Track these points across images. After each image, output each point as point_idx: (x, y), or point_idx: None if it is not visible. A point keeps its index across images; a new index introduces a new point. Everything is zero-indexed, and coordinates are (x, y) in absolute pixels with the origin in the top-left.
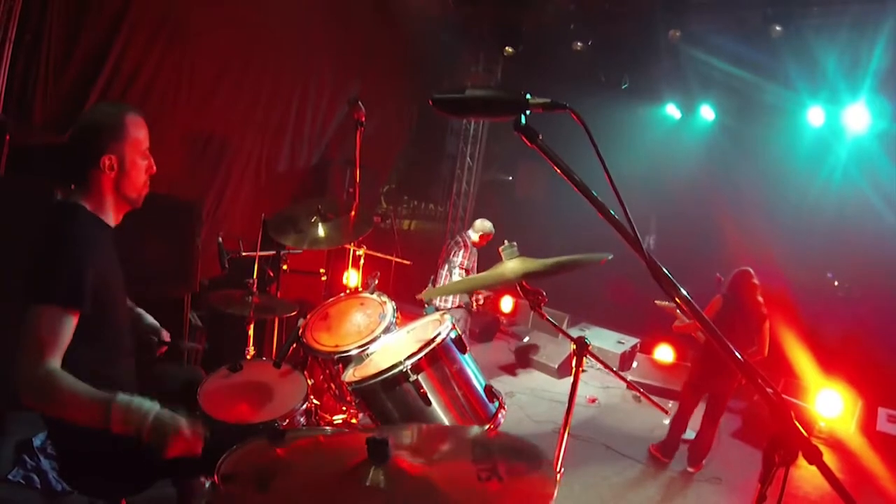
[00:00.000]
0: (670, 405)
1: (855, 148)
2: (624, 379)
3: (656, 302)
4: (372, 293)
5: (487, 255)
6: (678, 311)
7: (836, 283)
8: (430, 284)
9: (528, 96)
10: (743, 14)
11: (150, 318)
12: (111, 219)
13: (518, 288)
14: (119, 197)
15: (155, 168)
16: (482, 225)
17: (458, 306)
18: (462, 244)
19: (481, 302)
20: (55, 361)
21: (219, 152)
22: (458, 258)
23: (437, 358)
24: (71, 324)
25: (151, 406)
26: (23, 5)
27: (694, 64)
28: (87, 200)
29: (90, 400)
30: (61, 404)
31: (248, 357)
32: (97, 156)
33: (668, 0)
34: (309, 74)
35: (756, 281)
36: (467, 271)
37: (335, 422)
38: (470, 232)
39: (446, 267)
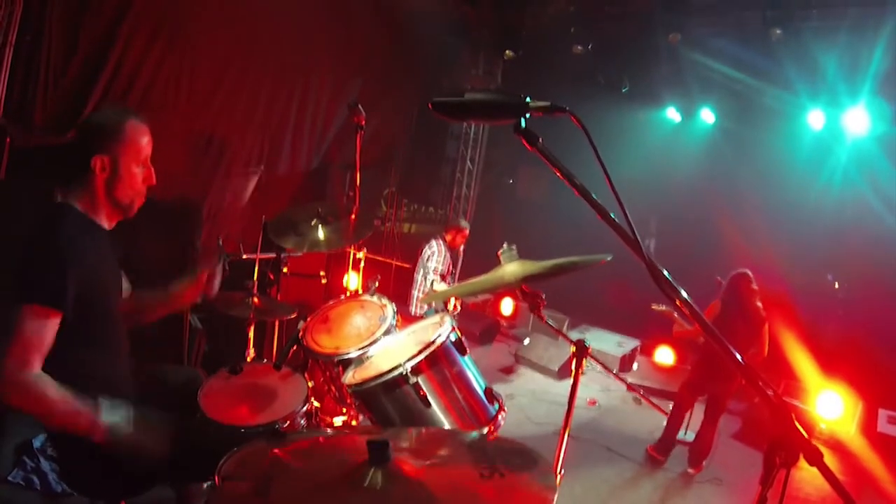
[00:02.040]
0: (670, 407)
1: (855, 151)
2: (624, 381)
3: (653, 307)
4: (372, 296)
5: (486, 256)
6: (676, 314)
7: (836, 286)
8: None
9: (527, 100)
10: (743, 17)
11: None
12: (105, 221)
13: (518, 291)
14: (110, 201)
15: (154, 180)
16: (454, 221)
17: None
18: (436, 248)
19: (458, 309)
20: (39, 365)
21: (219, 153)
22: (433, 263)
23: (437, 360)
24: (53, 325)
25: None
26: (23, 7)
27: (694, 67)
28: (79, 201)
29: (76, 408)
30: (46, 409)
31: (249, 359)
32: (89, 155)
33: (667, 3)
34: (309, 75)
35: (754, 285)
36: (442, 276)
37: (335, 424)
38: (444, 234)
39: (421, 271)
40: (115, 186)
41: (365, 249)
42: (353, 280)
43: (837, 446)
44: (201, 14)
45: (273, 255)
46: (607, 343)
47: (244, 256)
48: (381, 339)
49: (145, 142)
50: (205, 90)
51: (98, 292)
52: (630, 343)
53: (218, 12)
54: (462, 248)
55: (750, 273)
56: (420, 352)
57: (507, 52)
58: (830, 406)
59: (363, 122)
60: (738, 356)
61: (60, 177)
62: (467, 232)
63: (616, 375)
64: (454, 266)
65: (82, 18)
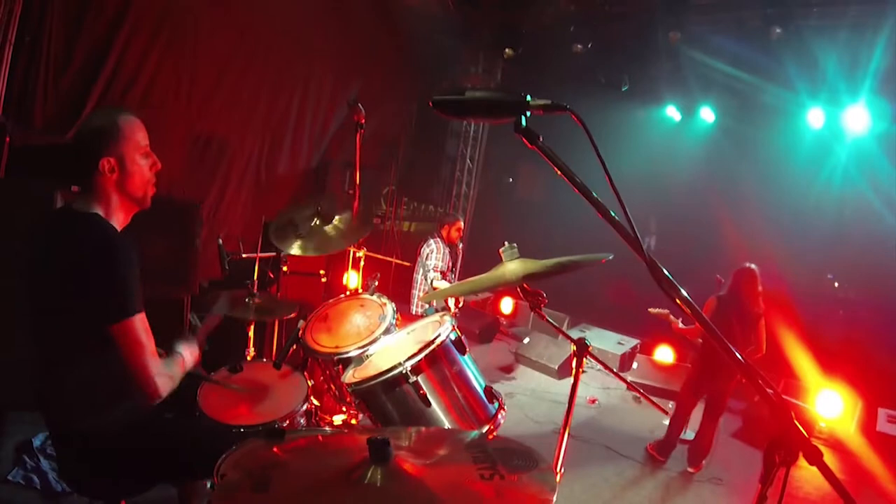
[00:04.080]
0: (670, 406)
1: (855, 149)
2: (624, 380)
3: (650, 310)
4: (372, 295)
5: (487, 255)
6: (672, 317)
7: (836, 284)
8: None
9: (528, 98)
10: (743, 15)
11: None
12: (119, 222)
13: (518, 289)
14: (125, 198)
15: (160, 164)
16: (445, 215)
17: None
18: (434, 247)
19: (460, 305)
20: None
21: (219, 153)
22: (432, 261)
23: (436, 359)
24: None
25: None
26: (23, 6)
27: (694, 65)
28: (97, 207)
29: (178, 364)
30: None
31: (248, 358)
32: (96, 159)
33: (667, 1)
34: (309, 75)
35: (759, 283)
36: (443, 274)
37: (335, 423)
38: (439, 230)
39: (420, 271)
40: (127, 182)
41: (365, 248)
42: (352, 279)
43: (837, 445)
44: (201, 14)
45: (273, 253)
46: (607, 342)
47: (244, 255)
48: (381, 338)
49: (142, 134)
50: (205, 91)
51: None
52: (630, 342)
53: (218, 13)
54: (461, 245)
55: (755, 269)
56: (420, 351)
57: (507, 50)
58: (830, 405)
59: (363, 121)
60: (738, 354)
61: (65, 180)
62: (461, 224)
63: (616, 374)
64: (454, 263)
65: (82, 18)
